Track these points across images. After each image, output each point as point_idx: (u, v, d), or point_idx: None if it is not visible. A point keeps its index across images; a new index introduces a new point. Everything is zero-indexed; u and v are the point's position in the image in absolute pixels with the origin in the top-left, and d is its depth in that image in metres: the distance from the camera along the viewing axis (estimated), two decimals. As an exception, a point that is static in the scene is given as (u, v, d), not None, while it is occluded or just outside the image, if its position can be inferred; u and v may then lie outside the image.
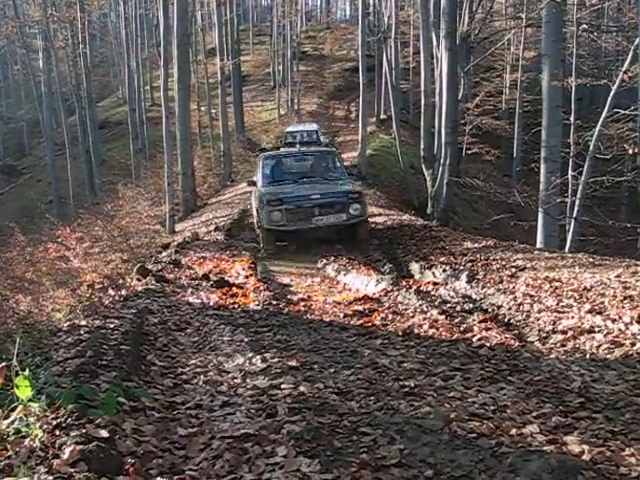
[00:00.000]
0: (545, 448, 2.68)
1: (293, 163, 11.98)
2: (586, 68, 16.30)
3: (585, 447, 2.67)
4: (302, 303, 6.52)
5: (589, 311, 4.95)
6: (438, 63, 17.28)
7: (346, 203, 10.31)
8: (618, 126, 12.97)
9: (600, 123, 11.96)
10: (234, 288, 7.11)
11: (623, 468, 2.49)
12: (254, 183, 11.57)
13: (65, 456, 2.48)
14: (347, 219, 10.33)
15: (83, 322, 4.79)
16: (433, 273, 7.70)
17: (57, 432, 2.71)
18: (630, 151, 9.97)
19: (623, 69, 11.75)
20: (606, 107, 12.03)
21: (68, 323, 4.97)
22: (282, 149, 13.29)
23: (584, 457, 2.58)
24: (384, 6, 28.91)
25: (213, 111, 29.78)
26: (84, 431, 2.69)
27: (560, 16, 12.38)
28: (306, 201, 10.23)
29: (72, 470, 2.40)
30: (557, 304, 5.30)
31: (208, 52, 33.85)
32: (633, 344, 4.15)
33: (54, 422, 2.79)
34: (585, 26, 15.53)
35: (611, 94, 12.01)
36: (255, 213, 11.51)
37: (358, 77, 23.53)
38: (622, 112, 11.65)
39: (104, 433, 2.72)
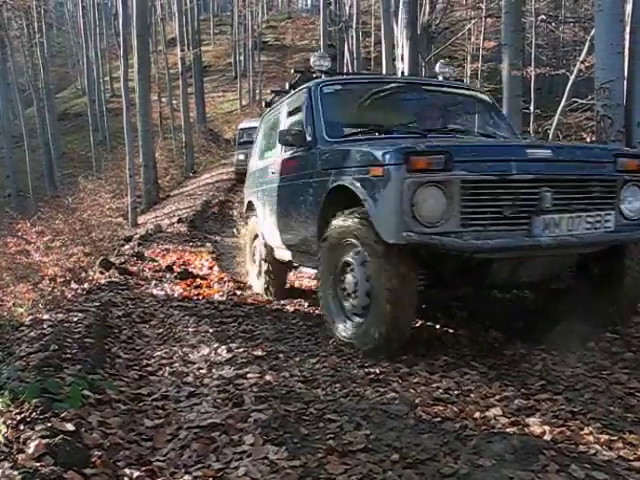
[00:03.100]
0: (508, 430, 2.74)
1: (399, 107, 5.39)
2: (545, 58, 16.58)
3: (546, 428, 2.73)
4: (267, 292, 6.50)
5: (549, 296, 5.05)
6: (399, 52, 17.31)
7: (616, 183, 3.85)
8: (576, 115, 13.24)
9: (559, 112, 12.19)
10: (198, 279, 7.09)
11: (582, 446, 2.56)
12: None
13: (30, 450, 2.46)
14: (616, 230, 3.84)
15: (46, 316, 4.74)
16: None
17: (21, 427, 2.68)
18: (588, 139, 10.15)
19: (580, 59, 11.99)
20: (564, 96, 12.27)
21: (31, 317, 4.91)
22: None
23: (545, 437, 2.65)
24: (345, -5, 28.82)
25: (174, 102, 29.49)
26: (49, 425, 2.66)
27: (519, 6, 12.50)
28: (520, 162, 3.61)
29: (38, 464, 2.37)
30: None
31: (168, 42, 33.49)
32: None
33: (18, 417, 2.76)
34: (543, 17, 15.71)
35: (569, 84, 12.25)
36: (268, 225, 5.88)
37: (320, 67, 23.48)
38: (580, 101, 11.84)
39: (70, 426, 2.70)
